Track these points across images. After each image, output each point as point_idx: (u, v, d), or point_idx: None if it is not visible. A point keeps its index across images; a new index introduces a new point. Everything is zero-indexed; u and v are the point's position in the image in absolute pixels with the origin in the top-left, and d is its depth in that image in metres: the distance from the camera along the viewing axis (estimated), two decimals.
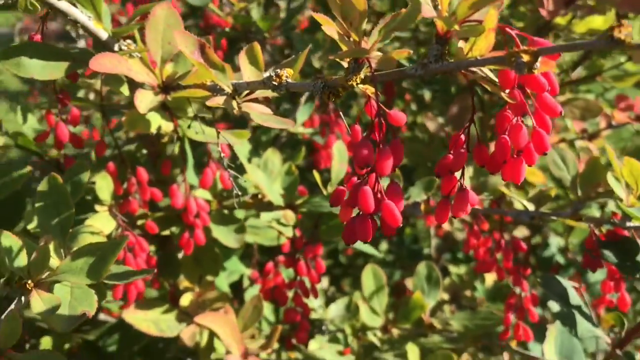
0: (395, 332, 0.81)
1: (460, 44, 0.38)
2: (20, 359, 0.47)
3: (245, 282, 0.92)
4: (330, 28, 0.39)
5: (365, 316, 0.81)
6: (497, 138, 0.39)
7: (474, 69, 0.38)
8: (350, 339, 0.84)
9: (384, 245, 1.70)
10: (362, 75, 0.41)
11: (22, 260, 0.47)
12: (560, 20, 1.06)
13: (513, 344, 0.80)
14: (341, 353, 0.86)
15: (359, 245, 0.83)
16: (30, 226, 0.57)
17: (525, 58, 0.33)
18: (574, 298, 0.67)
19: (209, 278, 0.76)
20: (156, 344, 0.87)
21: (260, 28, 0.99)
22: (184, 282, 0.78)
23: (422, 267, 0.84)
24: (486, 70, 0.38)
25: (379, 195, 0.39)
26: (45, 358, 0.48)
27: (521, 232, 1.22)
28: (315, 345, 0.86)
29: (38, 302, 0.46)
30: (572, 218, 0.65)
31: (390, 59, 0.39)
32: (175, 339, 0.88)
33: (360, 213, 0.39)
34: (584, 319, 0.66)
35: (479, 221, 0.73)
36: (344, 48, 0.40)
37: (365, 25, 0.40)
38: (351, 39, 0.40)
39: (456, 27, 0.35)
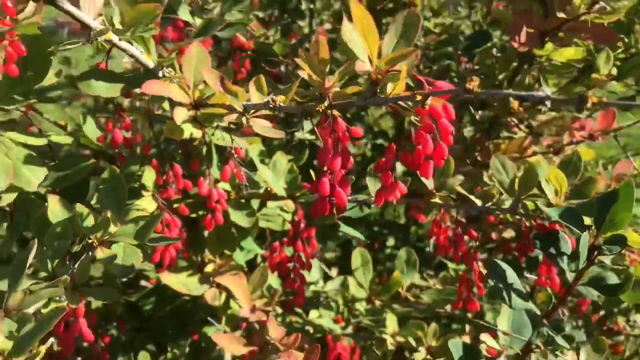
0: (377, 302, 1.00)
1: (389, 86, 0.56)
2: (88, 291, 0.67)
3: (259, 260, 1.12)
4: (304, 72, 0.59)
5: (353, 289, 1.00)
6: (415, 148, 0.57)
7: (399, 102, 0.57)
8: (342, 308, 1.03)
9: (391, 242, 1.89)
10: (326, 103, 0.60)
11: (90, 224, 0.68)
12: (538, 51, 1.22)
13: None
14: (335, 321, 1.05)
15: (350, 231, 1.02)
16: (92, 202, 0.78)
17: (419, 97, 0.51)
18: (511, 277, 0.84)
19: (228, 253, 0.96)
20: (185, 305, 1.07)
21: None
22: (208, 256, 0.98)
23: (402, 252, 1.03)
24: (403, 103, 0.56)
25: (333, 184, 0.58)
26: (104, 291, 0.68)
27: (509, 233, 1.38)
28: (314, 314, 1.05)
29: (101, 254, 0.66)
30: (510, 213, 0.83)
31: (343, 94, 0.58)
32: (200, 304, 1.09)
33: (320, 196, 0.58)
34: (517, 294, 0.83)
35: (440, 214, 0.91)
36: (315, 84, 0.59)
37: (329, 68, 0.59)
38: (317, 80, 0.59)
39: (380, 76, 0.54)
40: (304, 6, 1.73)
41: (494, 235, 1.33)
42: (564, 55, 1.22)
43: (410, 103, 0.56)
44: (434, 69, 1.79)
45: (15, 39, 0.61)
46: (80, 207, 0.68)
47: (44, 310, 0.57)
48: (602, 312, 1.68)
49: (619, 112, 1.50)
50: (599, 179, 0.93)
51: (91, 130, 0.94)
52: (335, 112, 0.60)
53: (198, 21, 0.92)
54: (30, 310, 0.54)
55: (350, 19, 0.53)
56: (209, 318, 0.98)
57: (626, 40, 1.30)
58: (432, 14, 1.90)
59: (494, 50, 1.46)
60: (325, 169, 0.59)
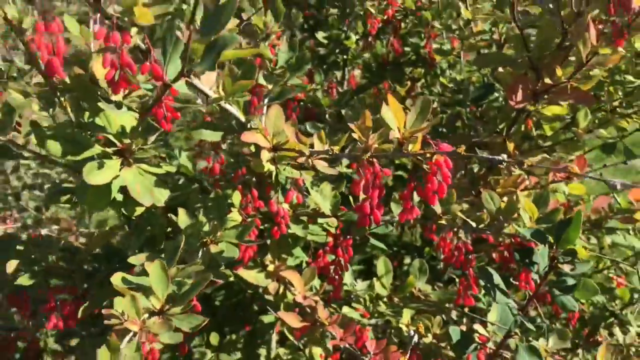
0: (395, 300, 1.30)
1: (410, 145, 0.88)
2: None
3: (304, 265, 1.43)
4: (355, 134, 0.90)
5: (378, 289, 1.30)
6: (425, 185, 0.88)
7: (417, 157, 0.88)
8: (368, 304, 1.33)
9: (407, 260, 2.19)
10: (368, 154, 0.91)
11: (207, 229, 1.00)
12: (531, 107, 1.52)
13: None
14: (362, 315, 1.35)
15: (378, 243, 1.33)
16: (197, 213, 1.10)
17: (428, 154, 0.82)
18: (497, 280, 1.14)
19: (284, 257, 1.28)
20: (245, 298, 1.37)
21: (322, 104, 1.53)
22: (268, 258, 1.29)
23: (416, 262, 1.34)
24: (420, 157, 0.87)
25: (372, 208, 0.89)
26: (216, 272, 1.00)
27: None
28: (346, 309, 1.36)
29: (213, 249, 0.98)
30: (496, 233, 1.13)
31: (380, 149, 0.89)
32: (257, 298, 1.40)
33: (363, 214, 0.89)
34: (500, 292, 1.13)
35: (445, 232, 1.22)
36: (362, 143, 0.91)
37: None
38: (364, 140, 0.90)
39: (404, 140, 0.85)
40: (339, 58, 2.07)
41: (494, 255, 1.63)
42: (551, 111, 1.52)
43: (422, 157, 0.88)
44: (448, 112, 2.11)
45: (169, 101, 0.93)
46: (201, 217, 1.00)
47: (188, 281, 0.88)
48: (588, 328, 1.96)
49: (598, 153, 1.80)
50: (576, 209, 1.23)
51: (186, 162, 1.27)
52: (375, 159, 0.92)
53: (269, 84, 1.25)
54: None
55: (387, 103, 0.85)
56: (268, 307, 1.29)
57: (602, 98, 1.62)
58: (448, 66, 2.22)
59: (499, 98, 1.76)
60: (365, 196, 0.90)
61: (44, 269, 1.18)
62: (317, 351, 1.29)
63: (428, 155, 0.83)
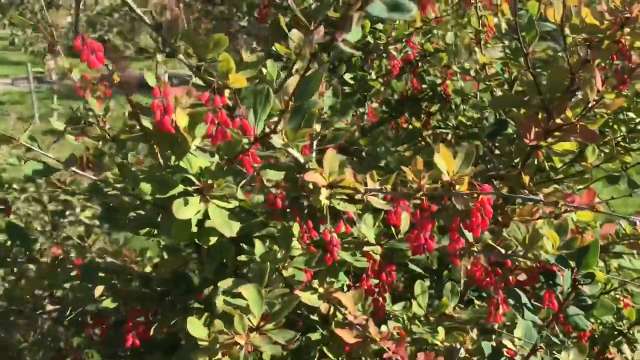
0: (431, 319, 1.46)
1: (457, 186, 1.04)
2: None
3: (345, 288, 1.59)
4: (408, 175, 1.07)
5: (415, 309, 1.46)
6: (470, 220, 1.05)
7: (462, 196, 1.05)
8: (406, 322, 1.48)
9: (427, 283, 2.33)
10: (420, 193, 1.08)
11: (280, 257, 1.16)
12: (543, 143, 1.69)
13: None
14: (398, 334, 1.51)
15: (415, 268, 1.49)
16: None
17: (474, 195, 0.99)
18: (524, 299, 1.30)
19: (330, 280, 1.43)
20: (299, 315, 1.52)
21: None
22: (316, 282, 1.44)
23: (448, 284, 1.50)
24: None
25: (426, 239, 1.06)
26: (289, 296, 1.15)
27: (522, 276, 1.84)
28: (384, 327, 1.51)
29: (285, 274, 1.14)
30: (523, 258, 1.30)
31: (431, 188, 1.06)
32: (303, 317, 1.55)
33: (416, 244, 1.06)
34: (527, 310, 1.29)
35: (476, 258, 1.38)
36: (414, 184, 1.08)
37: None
38: (416, 180, 1.07)
39: (453, 181, 1.02)
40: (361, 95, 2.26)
41: (510, 278, 1.79)
42: (562, 147, 1.70)
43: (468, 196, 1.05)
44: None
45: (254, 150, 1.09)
46: (275, 247, 1.16)
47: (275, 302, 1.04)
48: (598, 346, 2.11)
49: (604, 184, 1.98)
50: (585, 235, 1.40)
51: (243, 197, 1.43)
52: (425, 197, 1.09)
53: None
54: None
55: (438, 152, 1.02)
56: (316, 326, 1.44)
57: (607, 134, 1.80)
58: (462, 101, 2.40)
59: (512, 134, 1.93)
60: (420, 228, 1.07)
61: (121, 294, 1.33)
62: None
63: (474, 195, 1.00)
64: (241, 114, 1.00)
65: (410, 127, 2.46)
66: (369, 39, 2.07)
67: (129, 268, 1.41)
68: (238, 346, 0.93)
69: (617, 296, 2.25)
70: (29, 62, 14.06)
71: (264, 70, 1.11)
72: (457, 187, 1.03)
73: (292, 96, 0.95)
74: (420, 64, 2.30)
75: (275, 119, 1.02)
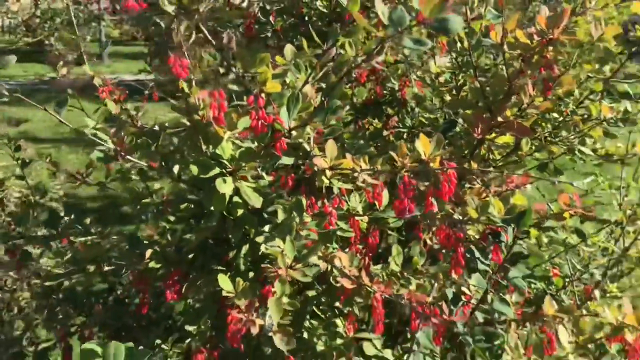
0: (405, 274, 1.84)
1: (432, 164, 1.43)
2: None
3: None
4: (396, 158, 1.45)
5: (392, 266, 1.84)
6: (440, 189, 1.44)
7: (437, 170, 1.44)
8: (385, 278, 1.86)
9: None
10: (404, 171, 1.45)
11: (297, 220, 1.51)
12: (488, 137, 2.10)
13: None
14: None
15: (392, 233, 1.87)
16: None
17: (445, 169, 1.38)
18: (477, 254, 1.70)
19: (326, 245, 1.79)
20: None
21: None
22: None
23: (416, 248, 1.88)
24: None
25: (409, 204, 1.44)
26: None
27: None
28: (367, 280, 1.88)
29: (302, 233, 1.49)
30: (477, 222, 1.70)
31: (412, 166, 1.44)
32: None
33: (402, 208, 1.43)
34: (480, 262, 1.69)
35: (440, 224, 1.77)
36: (399, 162, 1.46)
37: None
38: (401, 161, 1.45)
39: (429, 160, 1.40)
40: None
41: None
42: (502, 140, 2.12)
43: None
44: None
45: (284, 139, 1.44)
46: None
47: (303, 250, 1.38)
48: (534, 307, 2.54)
49: (535, 171, 2.43)
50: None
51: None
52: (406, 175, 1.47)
53: None
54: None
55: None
56: (315, 283, 1.79)
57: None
58: (416, 104, 2.81)
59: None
60: (405, 203, 1.44)
61: (164, 258, 1.65)
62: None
63: (444, 169, 1.39)
64: (274, 111, 1.35)
65: (373, 127, 2.86)
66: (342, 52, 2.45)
67: (160, 240, 1.73)
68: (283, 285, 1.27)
69: (549, 267, 2.72)
70: None
71: (288, 79, 1.46)
72: (432, 164, 1.42)
73: (315, 101, 1.31)
74: (382, 73, 2.70)
75: (298, 117, 1.38)
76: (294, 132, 1.45)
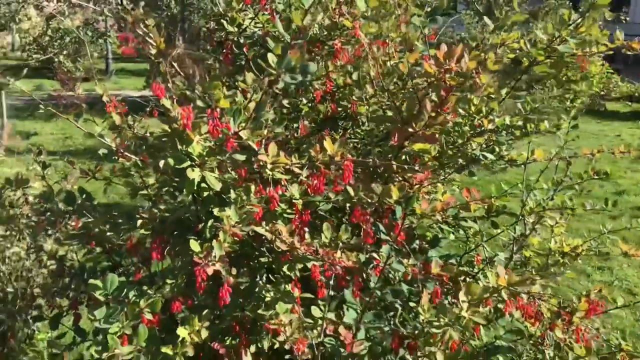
0: (332, 245, 2.45)
1: (336, 158, 2.05)
2: None
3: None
4: (313, 155, 2.07)
5: (323, 239, 2.45)
6: (343, 175, 2.05)
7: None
8: (318, 248, 2.47)
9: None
10: (319, 162, 2.07)
11: (244, 198, 2.13)
12: (406, 144, 2.71)
13: None
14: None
15: (322, 213, 2.49)
16: None
17: (344, 161, 1.99)
18: (381, 228, 2.32)
19: (273, 221, 2.41)
20: (252, 247, 2.48)
21: None
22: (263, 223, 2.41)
23: (343, 227, 2.49)
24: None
25: (320, 186, 2.05)
26: None
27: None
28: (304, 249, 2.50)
29: (248, 208, 2.11)
30: (379, 203, 2.31)
31: (323, 161, 2.06)
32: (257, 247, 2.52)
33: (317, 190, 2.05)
34: (384, 234, 2.31)
35: (356, 207, 2.38)
36: (316, 158, 2.08)
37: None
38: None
39: (334, 156, 2.02)
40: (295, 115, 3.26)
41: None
42: (417, 147, 2.74)
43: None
44: (366, 148, 3.32)
45: (233, 139, 2.07)
46: (240, 194, 2.13)
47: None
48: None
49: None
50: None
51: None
52: (321, 165, 2.09)
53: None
54: None
55: (326, 141, 2.03)
56: (264, 251, 2.41)
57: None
58: (367, 118, 3.43)
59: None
60: (318, 185, 2.07)
61: (152, 228, 2.27)
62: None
63: (344, 161, 2.01)
64: (225, 120, 1.98)
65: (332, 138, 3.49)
66: (290, 80, 3.09)
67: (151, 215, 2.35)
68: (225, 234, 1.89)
69: (475, 254, 3.32)
70: None
71: (236, 98, 2.09)
72: (336, 158, 2.04)
73: (252, 113, 1.93)
74: (336, 93, 3.33)
75: (243, 124, 2.01)
76: (242, 135, 2.07)
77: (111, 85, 18.35)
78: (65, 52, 16.45)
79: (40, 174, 2.97)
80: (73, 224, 2.59)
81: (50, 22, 15.87)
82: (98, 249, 2.84)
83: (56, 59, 16.30)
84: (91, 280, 1.92)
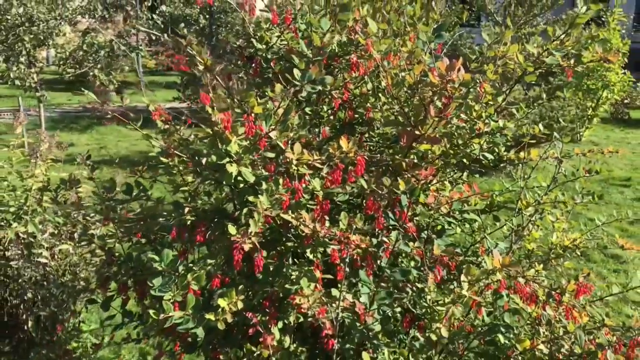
0: (349, 230, 2.85)
1: (350, 154, 2.45)
2: None
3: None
4: (332, 151, 2.48)
5: (341, 225, 2.85)
6: (356, 168, 2.45)
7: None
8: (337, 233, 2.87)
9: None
10: (336, 158, 2.48)
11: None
12: (414, 145, 3.09)
13: None
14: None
15: (340, 202, 2.90)
16: None
17: (356, 156, 2.39)
18: (391, 215, 2.71)
19: (297, 211, 2.82)
20: (280, 233, 2.89)
21: None
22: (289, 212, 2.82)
23: (359, 216, 2.89)
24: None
25: (338, 178, 2.45)
26: None
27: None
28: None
29: (277, 197, 2.53)
30: (387, 194, 2.71)
31: (340, 157, 2.46)
32: (284, 233, 2.94)
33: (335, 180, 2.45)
34: (393, 220, 2.70)
35: (369, 197, 2.78)
36: (334, 154, 2.49)
37: None
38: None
39: (349, 152, 2.42)
40: (317, 121, 3.68)
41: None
42: (423, 147, 3.12)
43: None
44: (380, 148, 3.72)
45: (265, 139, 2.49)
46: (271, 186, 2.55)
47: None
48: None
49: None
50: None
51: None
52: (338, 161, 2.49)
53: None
54: None
55: (342, 141, 2.43)
56: (290, 236, 2.82)
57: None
58: (381, 124, 3.83)
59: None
60: (334, 176, 2.47)
61: (195, 215, 2.70)
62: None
63: (357, 157, 2.41)
64: (258, 124, 2.40)
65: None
66: (311, 89, 3.50)
67: (194, 205, 2.78)
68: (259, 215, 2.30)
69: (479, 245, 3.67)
70: (19, 96, 15.27)
71: (268, 105, 2.51)
72: (350, 154, 2.44)
73: (281, 117, 2.35)
74: (353, 102, 3.74)
75: (273, 126, 2.43)
76: (272, 135, 2.49)
77: (143, 98, 18.96)
78: (99, 66, 17.15)
79: (88, 176, 3.43)
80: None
81: (85, 38, 16.59)
82: (143, 240, 3.28)
83: (91, 73, 17.01)
84: (150, 254, 2.35)
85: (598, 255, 8.06)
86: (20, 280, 4.82)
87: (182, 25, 3.62)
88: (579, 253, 3.87)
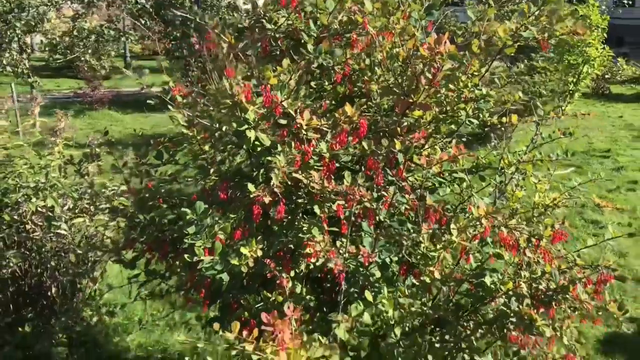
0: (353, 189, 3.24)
1: (354, 118, 2.84)
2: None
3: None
4: (338, 116, 2.87)
5: (345, 182, 3.25)
6: (359, 130, 2.84)
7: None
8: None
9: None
10: (342, 121, 2.86)
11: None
12: (408, 112, 3.47)
13: None
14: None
15: (344, 164, 3.30)
16: None
17: (359, 120, 2.77)
18: (389, 173, 3.11)
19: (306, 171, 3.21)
20: (290, 191, 3.29)
21: None
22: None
23: (361, 174, 3.29)
24: None
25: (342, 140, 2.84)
26: None
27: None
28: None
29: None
30: (385, 154, 3.10)
31: (346, 121, 2.85)
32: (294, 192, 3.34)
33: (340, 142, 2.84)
34: (391, 176, 3.10)
35: (369, 157, 3.17)
36: (340, 119, 2.87)
37: None
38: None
39: (353, 117, 2.80)
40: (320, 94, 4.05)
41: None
42: (416, 114, 3.51)
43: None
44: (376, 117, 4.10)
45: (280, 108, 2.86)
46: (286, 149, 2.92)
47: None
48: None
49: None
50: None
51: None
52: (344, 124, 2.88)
53: None
54: None
55: (346, 108, 2.81)
56: (301, 194, 3.21)
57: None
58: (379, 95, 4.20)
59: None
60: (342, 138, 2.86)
61: (219, 176, 3.08)
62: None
63: (360, 120, 2.80)
64: (274, 93, 2.78)
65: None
66: (324, 63, 3.87)
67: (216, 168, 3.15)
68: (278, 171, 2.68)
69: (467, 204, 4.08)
70: (12, 82, 15.46)
71: (282, 77, 2.88)
72: (354, 117, 2.82)
73: (293, 87, 2.72)
74: (352, 76, 4.10)
75: (286, 96, 2.80)
76: (284, 104, 2.87)
77: (131, 82, 19.11)
78: (90, 51, 17.28)
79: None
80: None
81: (75, 23, 16.71)
82: (164, 205, 3.66)
83: (82, 58, 17.17)
84: (183, 208, 2.73)
85: (579, 221, 8.55)
86: (43, 250, 5.18)
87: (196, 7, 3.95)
88: (560, 215, 4.27)
